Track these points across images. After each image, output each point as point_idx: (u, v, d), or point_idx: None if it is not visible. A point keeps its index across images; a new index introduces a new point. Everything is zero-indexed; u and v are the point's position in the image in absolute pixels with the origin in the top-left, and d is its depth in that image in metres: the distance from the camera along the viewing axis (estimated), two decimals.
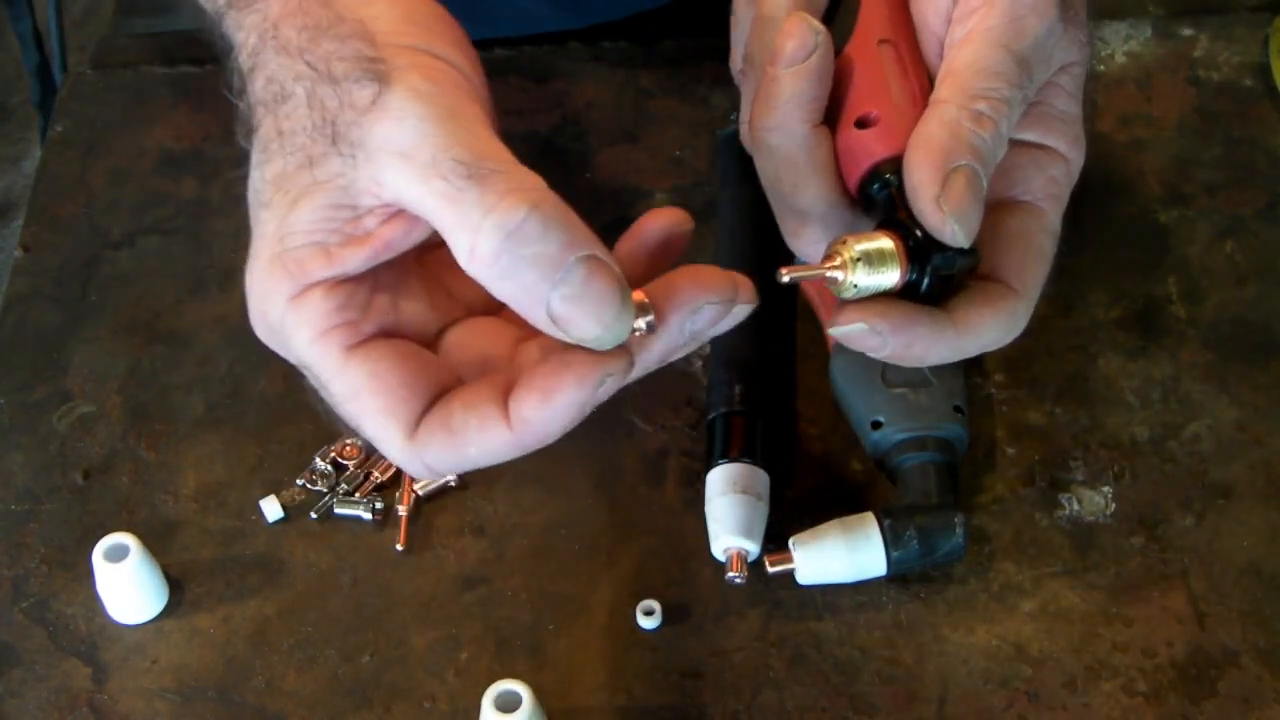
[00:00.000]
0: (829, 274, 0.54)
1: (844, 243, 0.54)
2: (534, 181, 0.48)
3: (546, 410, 0.48)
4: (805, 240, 0.59)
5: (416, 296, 0.53)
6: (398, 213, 0.50)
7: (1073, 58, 0.59)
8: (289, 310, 0.50)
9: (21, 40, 1.32)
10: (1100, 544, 0.69)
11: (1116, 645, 0.66)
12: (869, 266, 0.54)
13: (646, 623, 0.67)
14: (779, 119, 0.56)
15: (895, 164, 0.55)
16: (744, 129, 0.61)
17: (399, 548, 0.70)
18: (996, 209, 0.58)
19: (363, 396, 0.50)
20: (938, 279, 0.55)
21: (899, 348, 0.55)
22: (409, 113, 0.48)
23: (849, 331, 0.54)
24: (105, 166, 0.84)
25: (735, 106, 0.81)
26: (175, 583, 0.69)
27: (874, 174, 0.56)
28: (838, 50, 0.58)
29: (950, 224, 0.53)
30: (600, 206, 0.79)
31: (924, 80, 0.58)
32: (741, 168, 0.76)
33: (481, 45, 0.55)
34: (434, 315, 0.54)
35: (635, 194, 0.82)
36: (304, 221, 0.50)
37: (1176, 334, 0.76)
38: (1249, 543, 0.69)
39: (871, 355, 0.55)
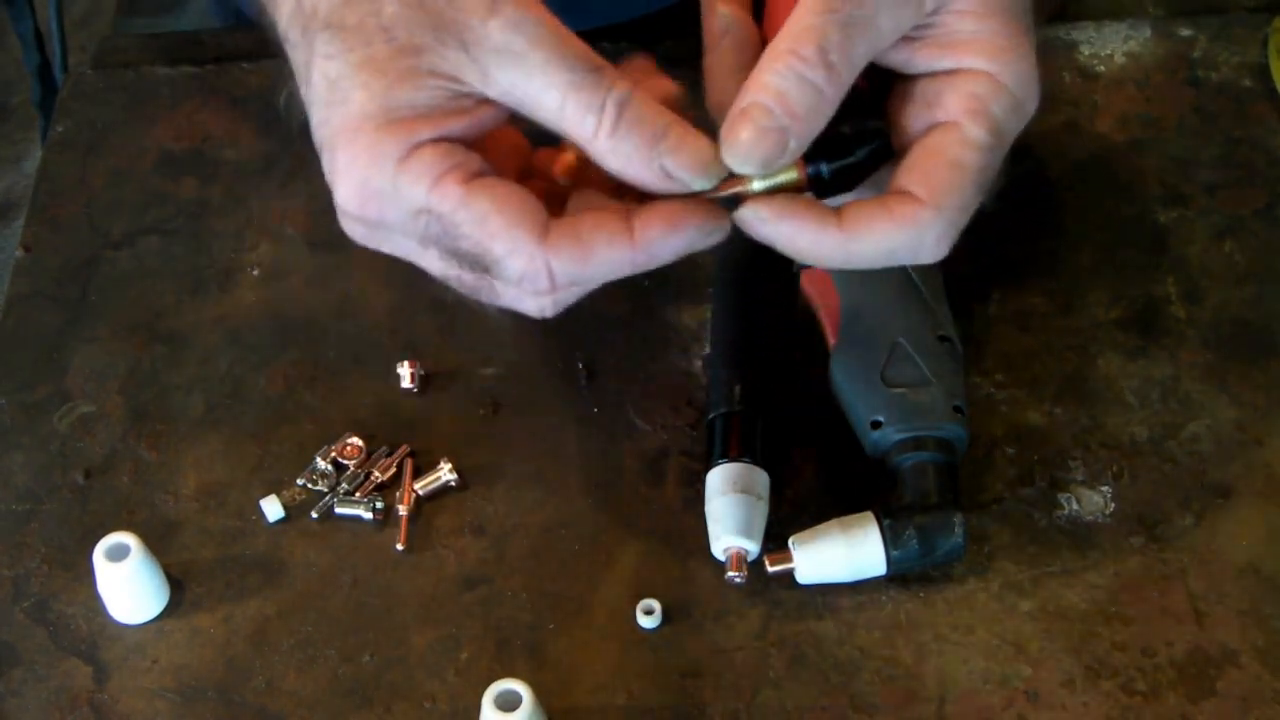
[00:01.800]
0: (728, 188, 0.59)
1: None
2: (624, 76, 0.58)
3: (670, 236, 0.58)
4: None
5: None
6: (486, 101, 0.58)
7: None
8: (401, 170, 0.57)
9: (22, 40, 1.31)
10: (1100, 544, 0.69)
11: (1116, 645, 0.66)
12: None
13: (646, 622, 0.67)
14: (718, 95, 0.61)
15: None
16: None
17: (399, 548, 0.70)
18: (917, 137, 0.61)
19: (491, 217, 0.57)
20: (838, 169, 0.59)
21: (784, 239, 0.59)
22: (527, 20, 0.57)
23: (740, 216, 0.60)
24: (105, 166, 0.84)
25: None
26: (176, 582, 0.69)
27: None
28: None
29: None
30: None
31: None
32: None
33: None
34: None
35: None
36: (412, 98, 0.57)
37: (1176, 334, 0.76)
38: (1248, 542, 0.69)
39: (773, 247, 0.60)
